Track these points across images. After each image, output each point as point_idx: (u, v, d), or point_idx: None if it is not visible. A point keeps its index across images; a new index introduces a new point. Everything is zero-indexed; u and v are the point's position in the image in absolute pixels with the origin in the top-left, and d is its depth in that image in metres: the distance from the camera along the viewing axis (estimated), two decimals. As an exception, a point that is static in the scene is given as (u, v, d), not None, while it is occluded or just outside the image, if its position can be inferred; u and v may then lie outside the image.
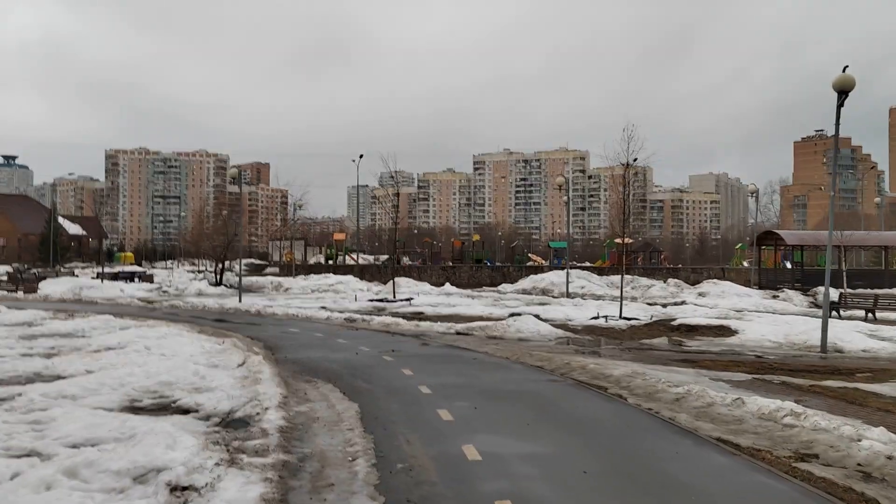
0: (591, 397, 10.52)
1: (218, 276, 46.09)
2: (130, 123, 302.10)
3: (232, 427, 8.17)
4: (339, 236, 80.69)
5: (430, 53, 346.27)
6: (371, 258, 75.47)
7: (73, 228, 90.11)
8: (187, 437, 6.91)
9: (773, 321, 21.38)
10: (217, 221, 59.78)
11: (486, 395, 10.31)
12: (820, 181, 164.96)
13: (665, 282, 41.46)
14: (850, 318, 24.15)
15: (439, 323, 21.53)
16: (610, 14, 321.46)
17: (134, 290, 37.94)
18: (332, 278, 47.10)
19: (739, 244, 78.80)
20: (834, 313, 23.60)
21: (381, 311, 27.15)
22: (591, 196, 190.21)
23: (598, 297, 36.53)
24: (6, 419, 8.05)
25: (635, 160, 25.79)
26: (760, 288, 38.43)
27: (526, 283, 43.68)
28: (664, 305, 30.25)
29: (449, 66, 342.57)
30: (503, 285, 45.26)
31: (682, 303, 32.23)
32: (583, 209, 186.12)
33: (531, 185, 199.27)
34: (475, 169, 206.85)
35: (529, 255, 79.06)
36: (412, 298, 32.82)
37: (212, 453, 6.56)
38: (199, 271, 56.23)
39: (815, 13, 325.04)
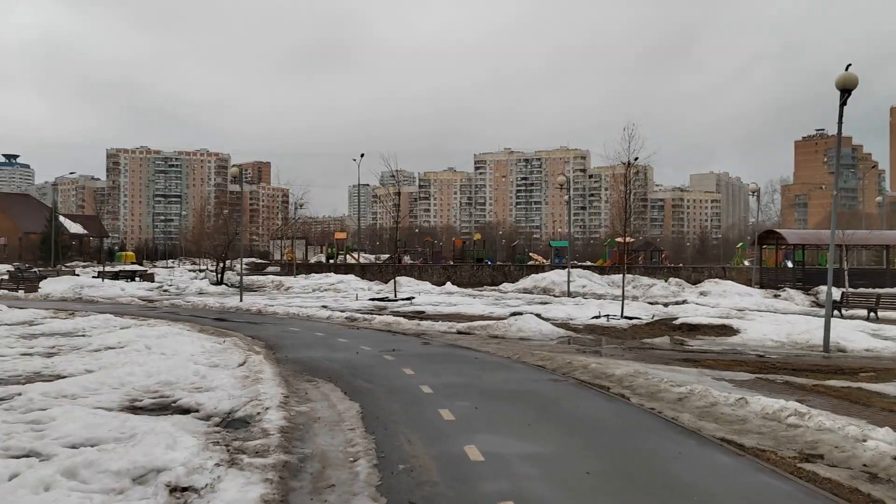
0: (593, 397, 10.46)
1: (219, 276, 46.06)
2: (131, 123, 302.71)
3: (232, 427, 8.12)
4: (340, 235, 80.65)
5: (431, 53, 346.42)
6: (372, 257, 75.45)
7: (75, 227, 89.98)
8: (187, 438, 6.87)
9: (775, 320, 21.31)
10: (218, 220, 59.80)
11: (487, 395, 10.26)
12: (821, 180, 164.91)
13: (666, 281, 41.38)
14: (852, 317, 24.08)
15: (440, 322, 21.48)
16: (610, 14, 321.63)
17: (135, 290, 37.91)
18: (332, 277, 47.06)
19: (740, 243, 78.67)
20: (836, 313, 23.53)
21: (382, 310, 27.11)
22: (592, 195, 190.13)
23: (600, 297, 36.46)
24: (5, 419, 8.00)
25: (636, 159, 25.72)
26: (762, 287, 38.35)
27: (527, 282, 43.60)
28: (665, 304, 30.18)
29: (449, 65, 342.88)
30: (504, 284, 45.20)
31: (684, 302, 32.16)
32: (583, 208, 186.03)
33: (532, 185, 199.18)
34: (476, 168, 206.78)
35: (530, 254, 78.96)
36: (413, 297, 32.78)
37: (212, 453, 6.51)
38: (200, 270, 56.18)
39: (815, 13, 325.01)
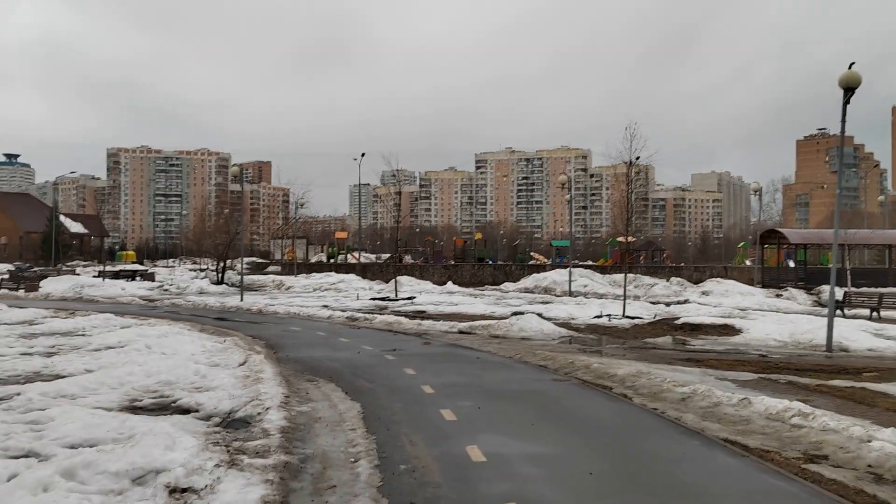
0: (596, 397, 10.40)
1: (219, 275, 46.03)
2: (132, 122, 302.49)
3: (232, 427, 8.07)
4: (340, 235, 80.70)
5: (431, 53, 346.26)
6: (373, 257, 75.39)
7: (75, 227, 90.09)
8: (187, 438, 6.82)
9: (778, 320, 21.25)
10: (219, 220, 59.71)
11: (489, 395, 10.21)
12: (822, 179, 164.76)
13: (668, 280, 41.32)
14: (854, 317, 24.00)
15: (442, 322, 21.43)
16: (611, 14, 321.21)
17: (135, 289, 37.87)
18: (333, 277, 47.01)
19: (742, 243, 78.62)
20: (838, 312, 23.44)
21: (384, 309, 27.05)
22: (593, 195, 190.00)
23: (601, 296, 36.39)
24: (4, 419, 7.95)
25: (638, 158, 25.66)
26: (763, 287, 38.26)
27: (528, 281, 43.53)
28: (667, 304, 30.09)
29: (450, 65, 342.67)
30: (505, 284, 45.12)
31: (686, 301, 32.08)
32: (584, 208, 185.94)
33: (533, 184, 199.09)
34: (477, 167, 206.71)
35: (532, 253, 78.88)
36: (414, 297, 32.73)
37: (212, 454, 6.46)
38: (201, 270, 56.12)
39: (816, 12, 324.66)
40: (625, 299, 25.68)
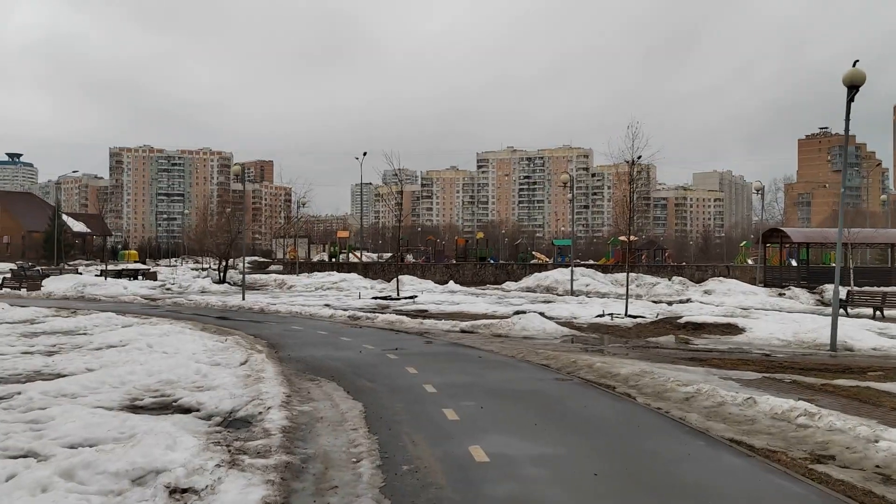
0: (599, 396, 10.33)
1: (221, 274, 45.99)
2: (134, 122, 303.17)
3: (234, 427, 8.01)
4: (342, 234, 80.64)
5: (433, 54, 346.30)
6: (374, 256, 75.35)
7: (78, 226, 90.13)
8: (188, 438, 6.76)
9: (781, 319, 21.16)
10: (220, 219, 59.66)
11: (492, 395, 10.14)
12: (824, 179, 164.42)
13: (670, 279, 41.23)
14: (857, 316, 23.92)
15: (443, 321, 21.36)
16: (613, 14, 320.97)
17: (137, 288, 37.84)
18: (335, 276, 46.97)
19: (744, 242, 78.51)
20: (841, 311, 23.34)
21: (385, 308, 26.99)
22: (595, 194, 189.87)
23: (603, 295, 36.34)
24: (4, 418, 7.91)
25: (639, 157, 25.56)
26: (766, 286, 38.16)
27: (530, 280, 43.45)
28: (669, 303, 30.02)
29: (450, 66, 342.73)
30: (507, 283, 45.04)
31: (688, 300, 31.98)
32: (586, 207, 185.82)
33: (535, 183, 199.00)
34: (479, 167, 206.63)
35: (533, 252, 78.82)
36: (416, 296, 32.67)
37: (212, 454, 6.40)
38: (203, 269, 56.12)
39: (816, 12, 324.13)
40: (627, 298, 25.60)
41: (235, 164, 46.24)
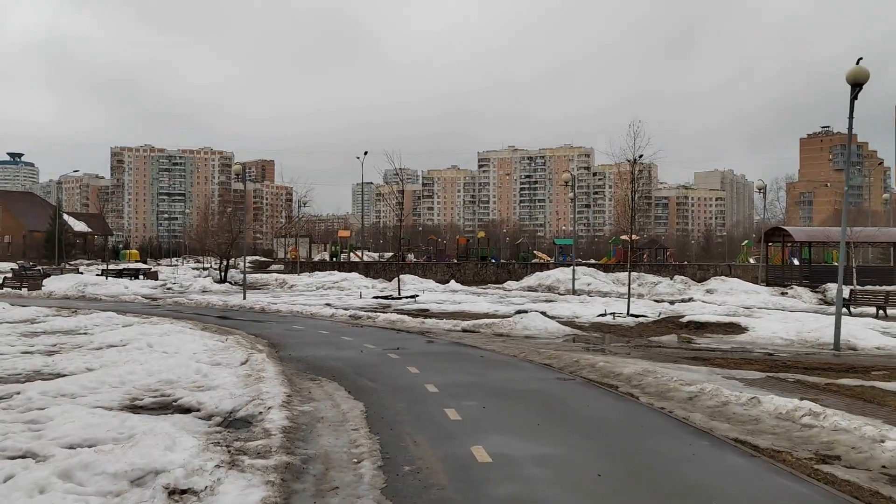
0: (602, 396, 10.27)
1: (222, 274, 45.96)
2: (135, 122, 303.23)
3: (234, 427, 7.95)
4: (343, 233, 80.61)
5: (435, 55, 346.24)
6: (376, 255, 75.33)
7: (79, 225, 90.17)
8: (187, 438, 6.70)
9: (784, 318, 21.08)
10: (221, 218, 59.60)
11: (494, 394, 10.08)
12: (826, 178, 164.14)
13: (671, 279, 41.15)
14: (860, 315, 23.83)
15: (445, 320, 21.30)
16: (614, 14, 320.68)
17: (138, 287, 37.81)
18: (336, 275, 46.92)
19: (745, 241, 78.35)
20: (844, 310, 23.27)
21: (386, 308, 26.94)
22: (596, 193, 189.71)
23: (605, 294, 36.26)
24: (3, 419, 7.85)
25: (641, 156, 25.48)
26: (768, 285, 38.07)
27: (531, 280, 43.39)
28: (671, 302, 29.95)
29: (452, 67, 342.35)
30: (508, 282, 44.97)
31: (690, 300, 31.89)
32: (587, 206, 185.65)
33: (536, 182, 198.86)
34: (480, 166, 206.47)
35: (535, 252, 78.76)
36: (417, 295, 32.61)
37: (212, 455, 6.34)
38: (204, 268, 56.13)
39: (819, 11, 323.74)
40: (629, 297, 25.53)
41: (236, 164, 46.22)
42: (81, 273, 45.84)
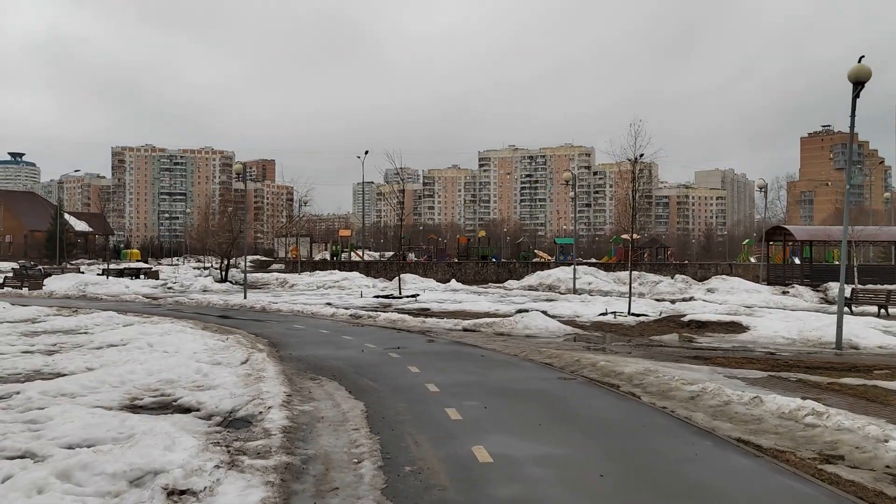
0: (604, 395, 10.22)
1: (223, 273, 45.94)
2: (136, 122, 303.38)
3: (233, 427, 7.91)
4: (344, 233, 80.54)
5: (436, 55, 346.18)
6: (376, 255, 75.32)
7: (80, 225, 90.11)
8: (187, 438, 6.66)
9: (785, 317, 21.02)
10: (222, 218, 59.58)
11: (495, 394, 10.04)
12: (827, 177, 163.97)
13: (672, 278, 41.09)
14: (862, 314, 23.79)
15: (445, 319, 21.25)
16: (615, 14, 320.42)
17: (139, 287, 37.79)
18: (337, 275, 46.87)
19: (746, 240, 78.25)
20: (846, 309, 23.22)
21: (387, 307, 26.89)
22: (597, 192, 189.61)
23: (606, 294, 36.21)
24: (2, 418, 7.82)
25: (642, 156, 25.43)
26: (769, 284, 38.01)
27: (532, 279, 43.34)
28: (672, 301, 29.89)
29: (453, 67, 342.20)
30: (509, 282, 44.93)
31: (691, 299, 31.83)
32: (588, 205, 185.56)
33: (536, 182, 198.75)
34: (480, 165, 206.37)
35: (535, 251, 78.69)
36: (418, 295, 32.57)
37: (212, 455, 6.30)
38: (205, 268, 56.10)
39: (821, 10, 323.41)
40: (630, 296, 25.47)
41: (237, 163, 46.07)
42: (82, 272, 45.80)
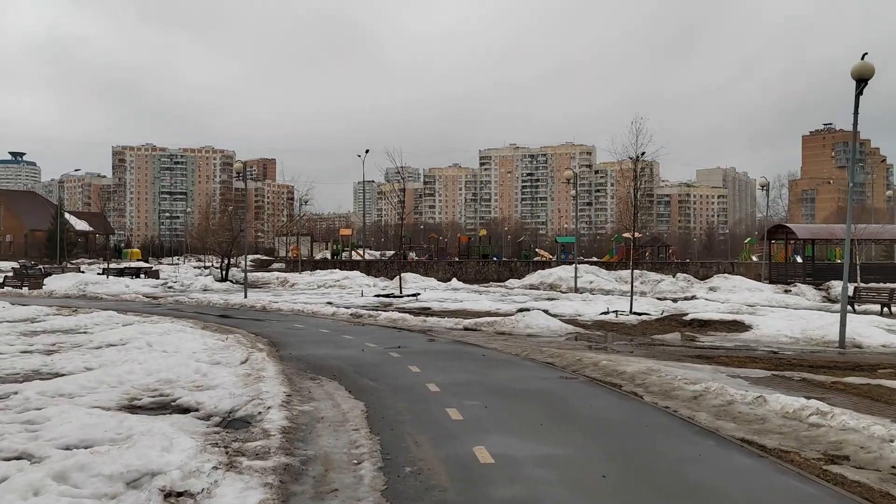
0: (606, 395, 10.15)
1: (223, 272, 45.89)
2: (137, 121, 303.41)
3: (232, 427, 7.84)
4: (345, 232, 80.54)
5: (436, 55, 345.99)
6: (377, 254, 75.22)
7: (80, 224, 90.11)
8: (185, 439, 6.59)
9: (788, 316, 20.95)
10: (223, 217, 59.51)
11: (496, 394, 9.97)
12: (828, 175, 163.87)
13: (674, 276, 41.00)
14: (865, 312, 23.69)
15: (446, 318, 21.19)
16: (616, 13, 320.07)
17: (139, 286, 37.75)
18: (338, 274, 46.82)
19: (748, 238, 78.09)
20: (849, 308, 23.13)
21: (388, 306, 26.83)
22: (598, 191, 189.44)
23: (607, 292, 36.14)
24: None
25: (643, 154, 25.33)
26: (771, 282, 37.93)
27: (533, 278, 43.26)
28: (674, 300, 29.80)
29: (453, 67, 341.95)
30: (510, 280, 44.87)
31: (693, 297, 31.76)
32: (589, 204, 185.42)
33: (537, 180, 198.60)
34: (481, 164, 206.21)
35: (536, 250, 78.63)
36: (419, 294, 32.50)
37: (210, 456, 6.24)
38: (205, 267, 56.03)
39: (822, 9, 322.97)
40: (632, 295, 25.38)
41: (237, 162, 46.03)
42: (83, 272, 45.77)
